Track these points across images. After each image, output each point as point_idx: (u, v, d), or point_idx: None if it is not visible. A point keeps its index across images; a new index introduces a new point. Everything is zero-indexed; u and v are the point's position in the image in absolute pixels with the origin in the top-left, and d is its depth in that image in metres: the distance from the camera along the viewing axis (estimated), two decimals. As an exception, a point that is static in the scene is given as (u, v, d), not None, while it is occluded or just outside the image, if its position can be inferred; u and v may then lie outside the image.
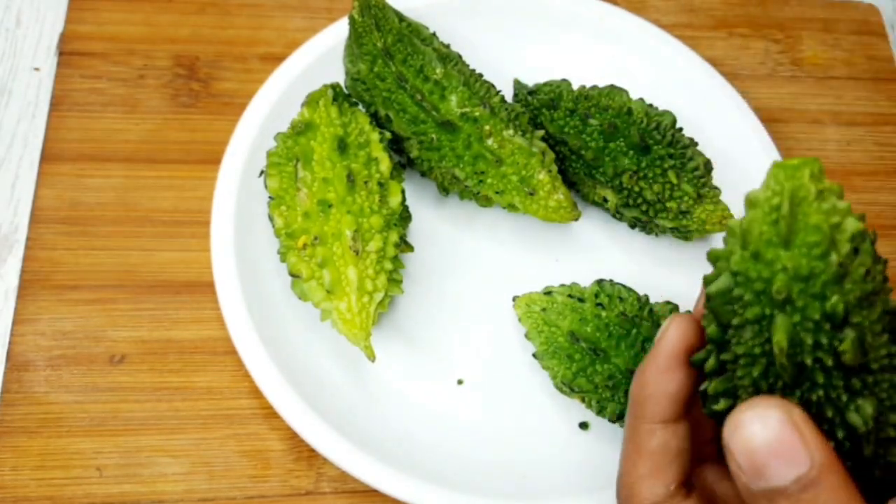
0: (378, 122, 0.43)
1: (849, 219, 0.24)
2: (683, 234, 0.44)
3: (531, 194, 0.42)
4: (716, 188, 0.43)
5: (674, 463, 0.28)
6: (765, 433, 0.24)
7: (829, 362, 0.25)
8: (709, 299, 0.27)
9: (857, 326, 0.25)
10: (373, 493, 0.38)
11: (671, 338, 0.28)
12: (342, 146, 0.39)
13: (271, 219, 0.39)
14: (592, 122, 0.43)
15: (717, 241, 0.45)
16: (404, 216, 0.40)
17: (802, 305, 0.25)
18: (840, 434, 0.26)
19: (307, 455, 0.40)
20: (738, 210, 0.43)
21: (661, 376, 0.28)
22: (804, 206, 0.24)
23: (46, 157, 0.45)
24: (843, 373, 0.25)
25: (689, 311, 0.31)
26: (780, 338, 0.25)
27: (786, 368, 0.25)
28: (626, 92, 0.44)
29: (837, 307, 0.24)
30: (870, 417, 0.25)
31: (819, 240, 0.24)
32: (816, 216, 0.24)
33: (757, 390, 0.26)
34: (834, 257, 0.24)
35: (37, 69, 0.48)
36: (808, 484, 0.23)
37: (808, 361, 0.25)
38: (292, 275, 0.38)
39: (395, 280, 0.40)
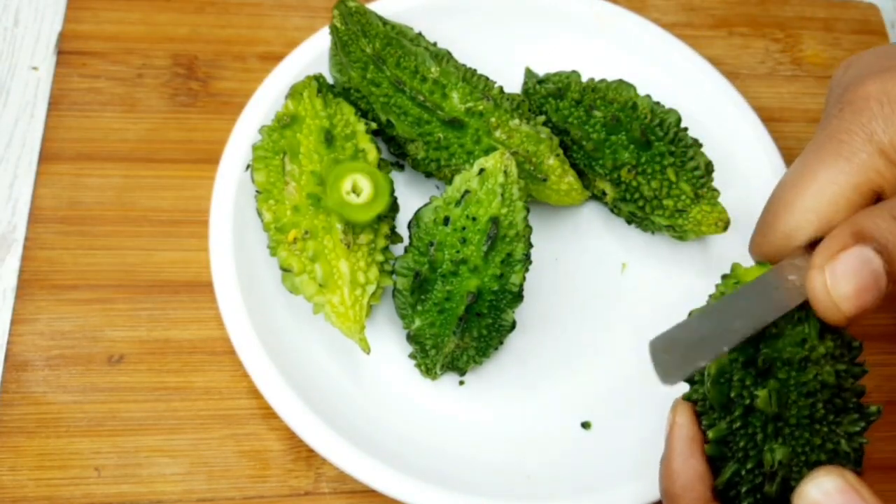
0: (379, 126, 0.43)
1: None
2: (679, 233, 0.43)
3: (544, 180, 0.42)
4: (715, 190, 0.43)
5: None
6: (826, 498, 0.26)
7: (747, 402, 0.29)
8: None
9: (780, 381, 0.28)
10: (372, 493, 0.38)
11: (683, 424, 0.30)
12: (329, 138, 0.39)
13: (260, 213, 0.39)
14: (596, 113, 0.43)
15: (714, 243, 0.45)
16: (393, 207, 0.40)
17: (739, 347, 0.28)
18: (750, 465, 0.29)
19: (306, 455, 0.40)
20: (735, 212, 0.43)
21: (686, 463, 0.30)
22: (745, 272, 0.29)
23: (45, 156, 0.45)
24: (762, 416, 0.29)
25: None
26: (710, 366, 0.29)
27: (711, 393, 0.29)
28: (634, 87, 0.43)
29: (764, 357, 0.28)
30: (777, 462, 0.28)
31: None
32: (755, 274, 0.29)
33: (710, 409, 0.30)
34: None
35: (35, 68, 0.48)
36: None
37: (732, 395, 0.29)
38: (283, 269, 0.38)
39: (386, 271, 0.39)
